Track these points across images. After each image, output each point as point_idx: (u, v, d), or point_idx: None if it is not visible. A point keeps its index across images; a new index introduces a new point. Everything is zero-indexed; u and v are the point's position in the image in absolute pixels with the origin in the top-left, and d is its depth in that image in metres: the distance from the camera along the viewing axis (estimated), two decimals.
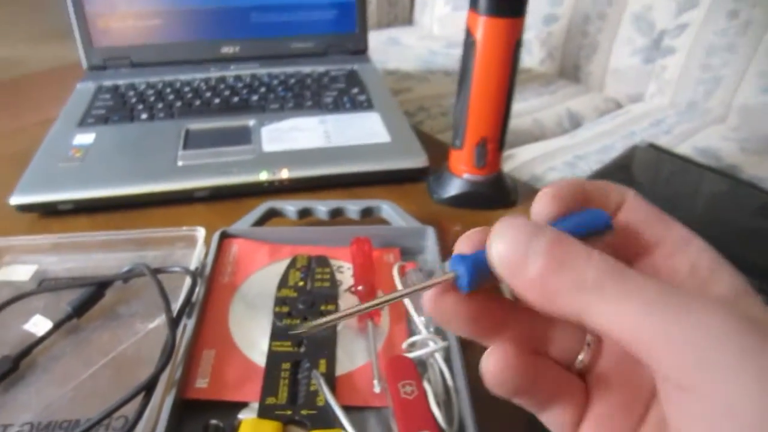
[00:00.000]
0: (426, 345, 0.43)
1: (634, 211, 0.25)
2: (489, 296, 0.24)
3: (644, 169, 0.77)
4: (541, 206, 0.24)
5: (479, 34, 0.54)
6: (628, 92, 1.19)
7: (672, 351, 0.18)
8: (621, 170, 0.75)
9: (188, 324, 0.44)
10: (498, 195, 0.63)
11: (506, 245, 0.21)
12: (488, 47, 0.54)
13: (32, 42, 3.68)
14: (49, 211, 0.61)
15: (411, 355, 0.42)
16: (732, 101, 0.99)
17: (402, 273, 0.50)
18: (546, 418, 0.25)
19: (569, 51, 1.26)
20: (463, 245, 0.24)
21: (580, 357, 0.25)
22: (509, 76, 0.56)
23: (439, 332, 0.44)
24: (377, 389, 0.41)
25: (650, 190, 0.73)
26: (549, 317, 0.22)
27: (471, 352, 0.42)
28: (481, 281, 0.22)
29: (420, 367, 0.42)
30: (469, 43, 0.55)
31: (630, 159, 0.78)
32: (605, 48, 1.19)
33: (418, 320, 0.45)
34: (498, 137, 0.60)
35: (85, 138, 0.68)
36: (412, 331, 0.46)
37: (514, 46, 0.54)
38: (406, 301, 0.47)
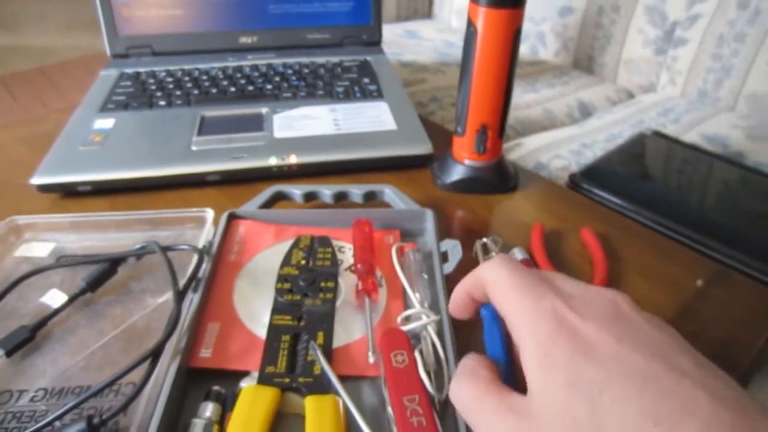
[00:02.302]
0: (419, 318, 0.45)
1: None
2: None
3: (648, 158, 0.78)
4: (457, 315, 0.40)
5: (480, 24, 0.56)
6: (640, 83, 1.20)
7: None
8: (623, 159, 0.76)
9: (194, 298, 0.46)
10: (498, 181, 0.65)
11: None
12: (488, 36, 0.56)
13: (62, 32, 3.75)
14: (69, 192, 0.64)
15: (405, 328, 0.44)
16: (741, 90, 1.00)
17: (400, 253, 0.52)
18: None
19: (583, 43, 1.26)
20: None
21: None
22: (509, 65, 0.57)
23: (433, 307, 0.46)
24: (371, 360, 0.43)
25: (654, 178, 0.74)
26: None
27: (460, 325, 0.44)
28: None
29: (414, 339, 0.44)
30: (470, 33, 0.57)
31: (635, 146, 0.79)
32: (618, 39, 1.20)
33: (414, 296, 0.47)
34: (498, 124, 0.61)
35: (105, 123, 0.72)
36: (407, 306, 0.48)
37: (513, 36, 0.56)
38: (402, 278, 0.49)
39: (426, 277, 0.50)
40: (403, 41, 1.37)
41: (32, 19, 3.95)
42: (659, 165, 0.77)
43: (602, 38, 1.22)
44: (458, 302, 0.39)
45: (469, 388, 0.33)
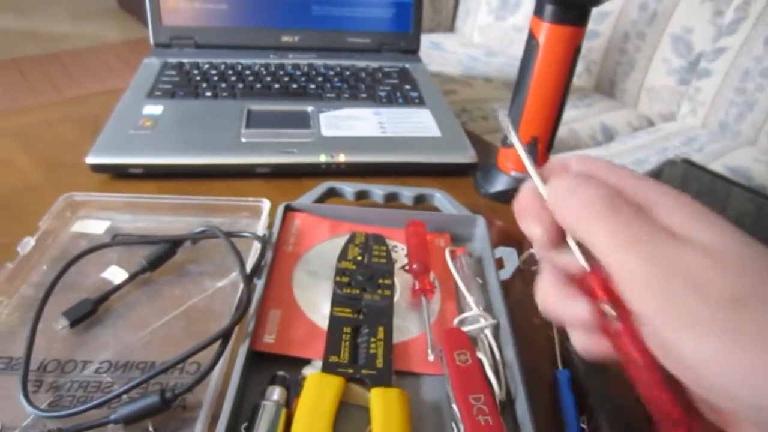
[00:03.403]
0: (476, 321, 0.46)
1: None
2: None
3: (676, 184, 0.80)
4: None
5: (542, 39, 0.57)
6: (660, 111, 1.22)
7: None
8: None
9: (258, 284, 0.47)
10: None
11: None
12: (550, 51, 0.57)
13: (73, 19, 3.76)
14: (120, 174, 0.65)
15: (464, 329, 0.45)
16: (764, 125, 1.02)
17: (453, 256, 0.53)
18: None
19: (606, 67, 1.29)
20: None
21: None
22: (566, 80, 0.59)
23: (488, 311, 0.47)
24: (431, 358, 0.44)
25: None
26: None
27: (518, 328, 0.45)
28: None
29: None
30: (531, 46, 0.58)
31: (663, 173, 0.81)
32: (642, 66, 1.22)
33: (470, 299, 0.48)
34: (549, 138, 0.63)
35: (154, 109, 0.72)
36: (461, 309, 0.49)
37: (574, 53, 0.57)
38: (458, 281, 0.50)
39: (480, 281, 0.51)
40: (429, 52, 1.39)
41: (42, 5, 3.95)
42: (687, 192, 0.79)
43: (626, 64, 1.25)
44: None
45: (601, 189, 0.28)
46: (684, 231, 0.26)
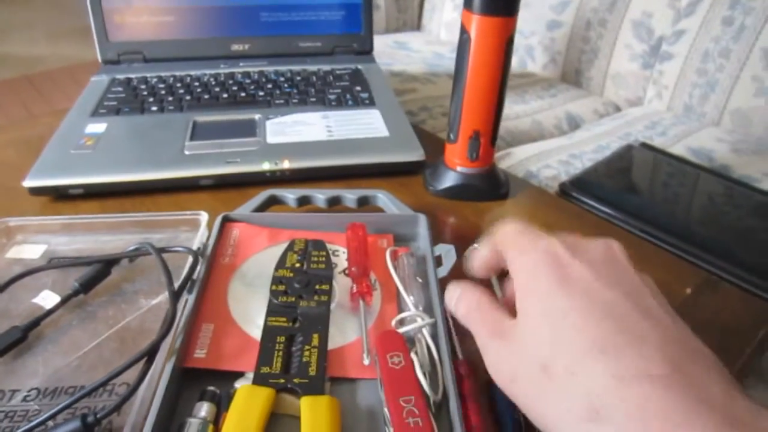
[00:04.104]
0: (414, 321, 0.45)
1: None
2: None
3: (636, 168, 0.79)
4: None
5: (473, 31, 0.57)
6: (627, 97, 1.21)
7: None
8: (612, 169, 0.77)
9: (189, 299, 0.46)
10: (490, 188, 0.66)
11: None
12: (482, 44, 0.57)
13: (49, 41, 3.74)
14: (61, 195, 0.64)
15: (401, 330, 0.44)
16: (726, 105, 1.01)
17: (395, 257, 0.53)
18: None
19: (571, 56, 1.28)
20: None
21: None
22: (501, 72, 0.58)
23: (427, 310, 0.47)
24: (366, 362, 0.43)
25: (642, 188, 0.75)
26: None
27: (455, 330, 0.44)
28: None
29: (408, 342, 0.44)
30: (463, 40, 0.58)
31: (622, 158, 0.81)
32: (606, 53, 1.22)
33: (408, 299, 0.47)
34: (490, 131, 0.62)
35: (96, 127, 0.71)
36: (401, 309, 0.48)
37: (506, 43, 0.57)
38: (397, 282, 0.50)
39: (420, 281, 0.50)
40: (393, 52, 1.38)
41: (19, 27, 3.93)
42: (647, 176, 0.78)
43: (589, 52, 1.24)
44: (480, 261, 0.42)
45: (475, 295, 0.38)
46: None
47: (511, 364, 0.33)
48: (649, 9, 1.13)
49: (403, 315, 0.46)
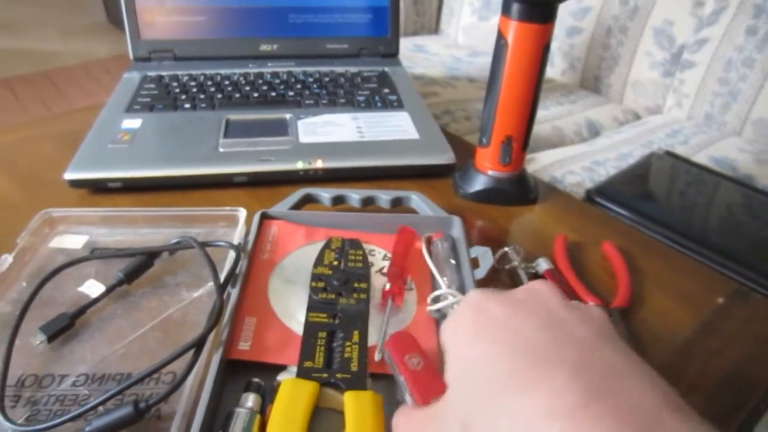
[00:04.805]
0: (446, 298, 0.47)
1: None
2: None
3: (661, 177, 0.80)
4: None
5: (510, 38, 0.58)
6: (646, 104, 1.22)
7: None
8: (637, 177, 0.78)
9: (232, 292, 0.47)
10: (520, 192, 0.67)
11: None
12: (519, 50, 0.58)
13: (63, 37, 3.77)
14: (99, 188, 0.65)
15: (434, 307, 0.47)
16: (748, 115, 1.02)
17: (429, 242, 0.54)
18: None
19: (590, 63, 1.29)
20: None
21: None
22: (537, 78, 0.59)
23: (459, 288, 0.48)
24: (377, 358, 0.44)
25: (669, 196, 0.76)
26: None
27: None
28: None
29: (442, 319, 0.46)
30: (500, 45, 0.59)
31: (647, 166, 0.81)
32: (626, 61, 1.22)
33: (441, 280, 0.49)
34: (523, 136, 0.63)
35: (132, 123, 0.73)
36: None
37: (542, 50, 0.58)
38: (430, 263, 0.52)
39: (453, 262, 0.52)
40: (412, 55, 1.39)
41: (34, 23, 3.96)
42: (673, 184, 0.79)
43: (609, 59, 1.25)
44: None
45: (399, 418, 0.36)
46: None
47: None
48: (671, 17, 1.14)
49: (436, 293, 0.48)
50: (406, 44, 1.48)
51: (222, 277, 0.48)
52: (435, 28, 1.71)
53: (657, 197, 0.75)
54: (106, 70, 3.16)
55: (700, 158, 0.93)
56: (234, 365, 0.43)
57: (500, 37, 0.59)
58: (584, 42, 1.29)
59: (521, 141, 0.63)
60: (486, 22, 1.51)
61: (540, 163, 0.89)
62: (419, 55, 1.40)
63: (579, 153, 0.94)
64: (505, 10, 0.58)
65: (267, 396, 0.41)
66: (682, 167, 0.81)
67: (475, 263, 0.53)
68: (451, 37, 1.62)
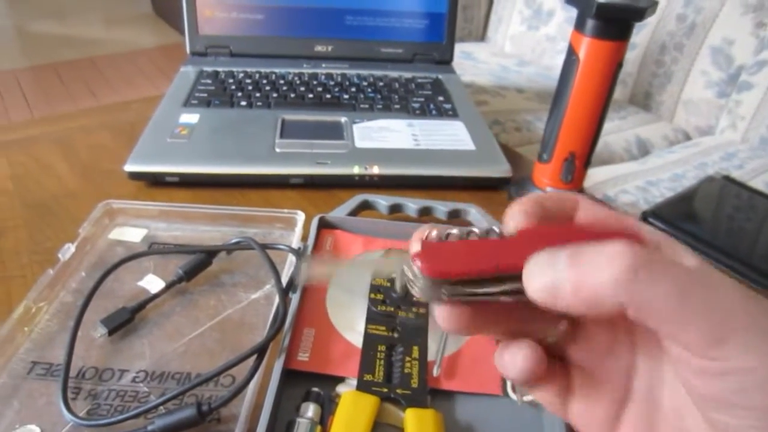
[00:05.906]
0: None
1: (588, 210, 0.29)
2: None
3: (720, 201, 0.78)
4: (513, 220, 0.28)
5: (582, 54, 0.57)
6: (697, 124, 1.20)
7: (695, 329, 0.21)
8: (696, 200, 0.77)
9: (293, 298, 0.47)
10: None
11: (536, 281, 0.24)
12: (590, 67, 0.57)
13: (106, 25, 3.83)
14: (156, 181, 0.66)
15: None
16: None
17: None
18: (538, 396, 0.30)
19: (642, 79, 1.27)
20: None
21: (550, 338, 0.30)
22: (606, 96, 0.58)
23: None
24: (435, 373, 0.43)
25: (727, 222, 0.74)
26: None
27: None
28: None
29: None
30: (571, 61, 0.58)
31: (705, 190, 0.79)
32: (679, 78, 1.20)
33: None
34: (586, 154, 0.62)
35: (190, 117, 0.73)
36: None
37: (615, 68, 0.57)
38: None
39: None
40: (459, 62, 1.38)
41: (78, 11, 4.03)
42: (732, 210, 0.77)
43: (662, 76, 1.23)
44: None
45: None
46: None
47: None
48: (731, 36, 1.12)
49: None
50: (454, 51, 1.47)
51: (283, 282, 0.48)
52: (482, 35, 1.69)
53: (716, 223, 0.73)
54: (151, 60, 3.21)
55: (757, 183, 0.91)
56: (291, 373, 0.43)
57: (571, 53, 0.58)
58: (637, 57, 1.27)
59: (584, 159, 0.62)
60: (535, 32, 1.49)
61: (592, 180, 0.88)
62: (467, 62, 1.39)
63: (632, 172, 0.92)
64: (579, 26, 0.57)
65: (326, 407, 0.41)
66: (741, 193, 0.79)
67: None
68: (498, 45, 1.61)
